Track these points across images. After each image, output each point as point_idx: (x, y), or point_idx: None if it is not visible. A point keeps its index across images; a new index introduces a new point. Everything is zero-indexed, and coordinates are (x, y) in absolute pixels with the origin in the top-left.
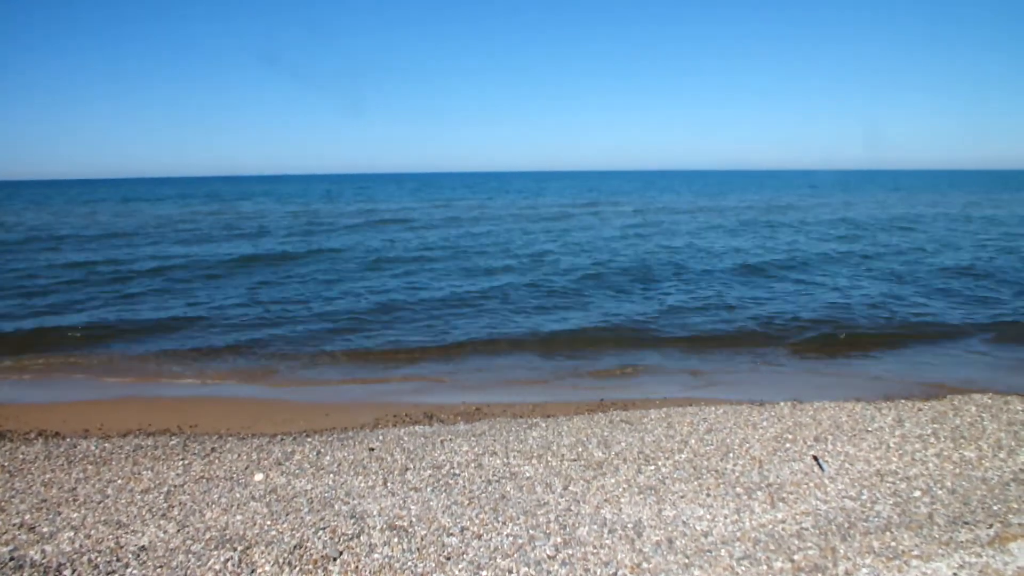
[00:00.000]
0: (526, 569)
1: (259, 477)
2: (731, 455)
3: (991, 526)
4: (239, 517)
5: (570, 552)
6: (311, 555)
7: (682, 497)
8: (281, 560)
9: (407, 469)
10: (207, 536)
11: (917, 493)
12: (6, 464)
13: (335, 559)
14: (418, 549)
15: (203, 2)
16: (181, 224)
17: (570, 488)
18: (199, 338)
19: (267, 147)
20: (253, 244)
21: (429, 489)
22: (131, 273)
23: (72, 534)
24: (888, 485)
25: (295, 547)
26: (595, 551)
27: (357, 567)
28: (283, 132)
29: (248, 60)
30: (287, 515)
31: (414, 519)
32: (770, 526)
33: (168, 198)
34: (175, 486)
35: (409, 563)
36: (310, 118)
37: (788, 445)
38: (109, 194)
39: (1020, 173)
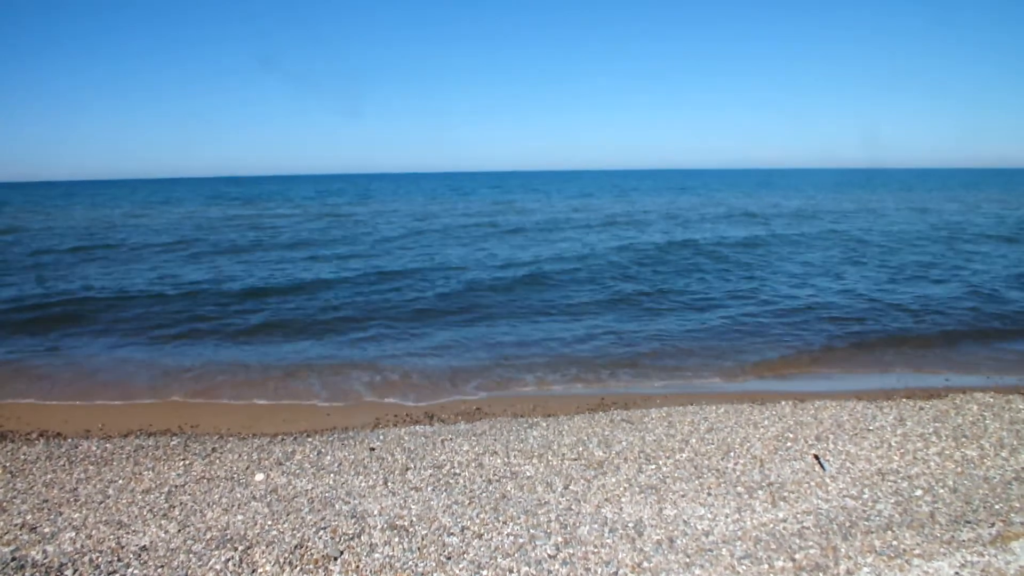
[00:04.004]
0: (527, 568)
1: (260, 477)
2: (732, 454)
3: (993, 525)
4: (240, 517)
5: (571, 551)
6: (312, 555)
7: (683, 496)
8: (282, 560)
9: (408, 469)
10: (208, 536)
11: (919, 492)
12: (8, 465)
13: (336, 559)
14: (419, 549)
15: (200, 5)
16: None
17: (571, 487)
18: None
19: (263, 149)
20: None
21: (430, 489)
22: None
23: (73, 534)
24: (889, 484)
25: (296, 547)
26: (596, 550)
27: (358, 567)
28: (280, 133)
29: (247, 63)
30: (288, 515)
31: (415, 519)
32: (771, 525)
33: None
34: (176, 486)
35: (410, 562)
36: (309, 119)
37: (789, 444)
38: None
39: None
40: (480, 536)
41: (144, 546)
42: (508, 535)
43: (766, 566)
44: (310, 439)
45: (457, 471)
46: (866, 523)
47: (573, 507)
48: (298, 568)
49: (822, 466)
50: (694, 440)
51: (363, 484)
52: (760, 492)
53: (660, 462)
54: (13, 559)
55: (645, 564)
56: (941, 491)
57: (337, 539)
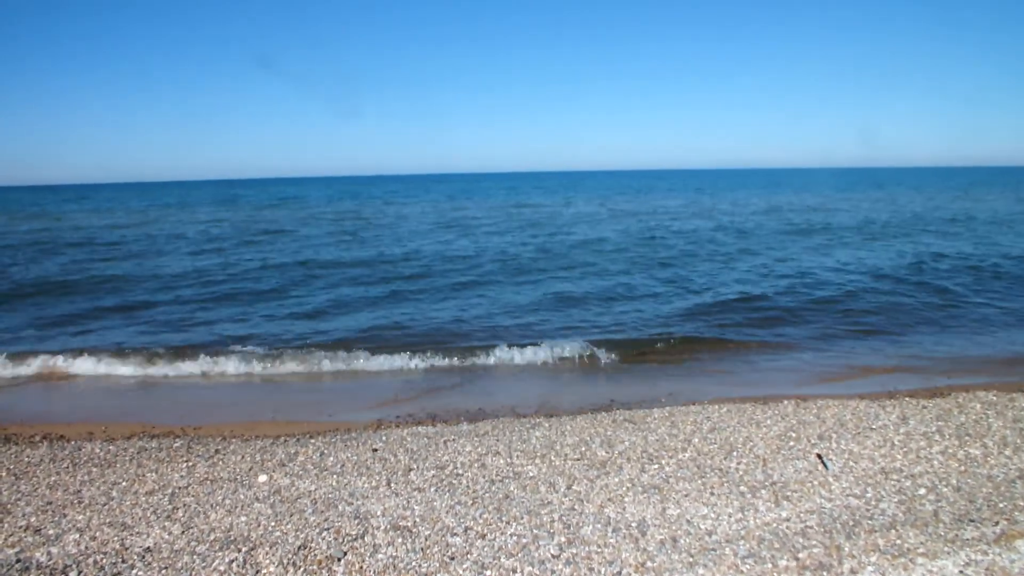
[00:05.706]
0: (530, 568)
1: (263, 478)
2: (735, 454)
3: (997, 524)
4: (243, 518)
5: (574, 551)
6: (315, 556)
7: (686, 496)
8: (286, 561)
9: (411, 469)
10: (212, 537)
11: (922, 491)
12: (12, 467)
13: (339, 559)
14: (422, 549)
15: (201, 7)
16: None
17: (574, 487)
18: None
19: (260, 151)
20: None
21: (433, 489)
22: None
23: (78, 536)
24: (893, 483)
25: (299, 548)
26: (599, 550)
27: (361, 567)
28: (279, 135)
29: (248, 65)
30: (291, 516)
31: (418, 519)
32: (774, 524)
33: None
34: (179, 488)
35: (413, 563)
36: (307, 120)
37: (792, 443)
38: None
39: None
40: (483, 536)
41: (148, 548)
42: (511, 535)
43: (770, 565)
44: (312, 440)
45: (460, 472)
46: (870, 522)
47: (576, 507)
48: (302, 569)
49: (825, 465)
50: (697, 440)
51: (366, 485)
52: (763, 491)
53: (663, 462)
54: (18, 561)
55: (649, 564)
56: (945, 490)
57: (341, 540)
